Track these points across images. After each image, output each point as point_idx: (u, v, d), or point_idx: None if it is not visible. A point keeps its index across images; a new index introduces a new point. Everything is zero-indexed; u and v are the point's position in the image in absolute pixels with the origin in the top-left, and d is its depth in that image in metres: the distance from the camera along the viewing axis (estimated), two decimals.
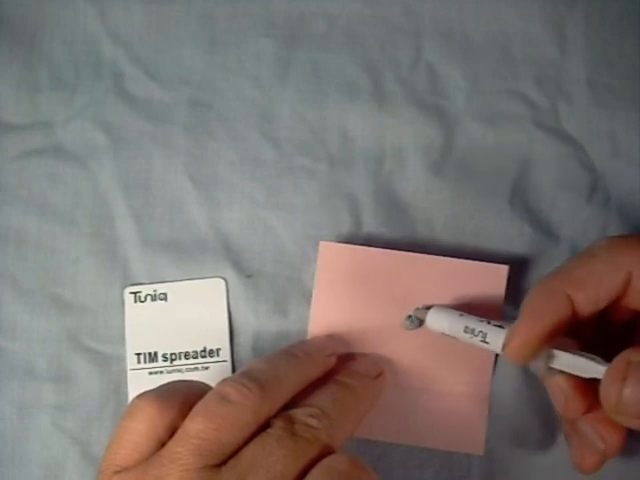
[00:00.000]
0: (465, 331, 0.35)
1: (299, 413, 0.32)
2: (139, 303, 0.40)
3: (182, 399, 0.31)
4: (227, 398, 0.30)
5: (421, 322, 0.38)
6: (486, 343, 0.34)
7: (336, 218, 0.41)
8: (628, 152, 0.40)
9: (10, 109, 0.42)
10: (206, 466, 0.29)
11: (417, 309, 0.38)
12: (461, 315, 0.36)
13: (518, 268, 0.39)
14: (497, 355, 0.39)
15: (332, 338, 0.39)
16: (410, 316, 0.39)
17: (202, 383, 0.34)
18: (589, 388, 0.33)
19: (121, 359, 0.40)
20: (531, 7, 0.42)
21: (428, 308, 0.38)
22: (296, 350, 0.36)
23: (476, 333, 0.35)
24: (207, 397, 0.31)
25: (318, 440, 0.31)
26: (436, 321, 0.37)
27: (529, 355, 0.33)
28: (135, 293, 0.40)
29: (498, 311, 0.38)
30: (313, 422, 0.31)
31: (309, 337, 0.39)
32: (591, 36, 0.41)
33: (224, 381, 0.32)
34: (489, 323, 0.35)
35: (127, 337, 0.40)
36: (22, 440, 0.40)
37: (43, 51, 0.42)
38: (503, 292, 0.39)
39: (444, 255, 0.39)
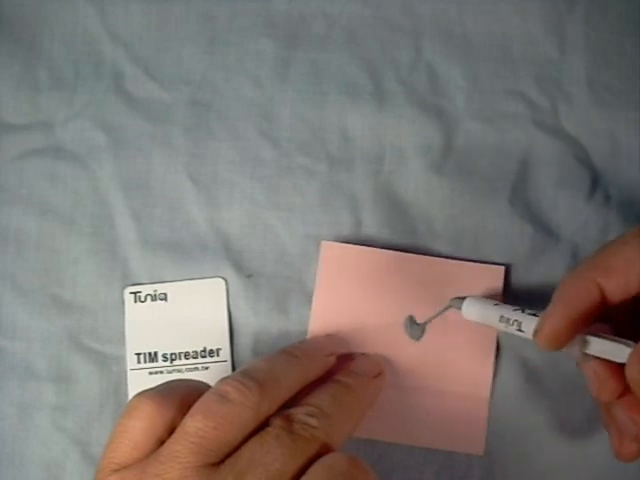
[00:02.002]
0: (500, 320, 0.36)
1: (298, 412, 0.32)
2: (139, 303, 0.40)
3: (181, 397, 0.31)
4: (226, 397, 0.30)
5: (423, 332, 0.39)
6: (521, 332, 0.35)
7: (336, 218, 0.41)
8: (628, 152, 0.40)
9: (10, 109, 0.42)
10: (205, 464, 0.29)
11: (452, 299, 0.38)
12: (496, 305, 0.36)
13: (518, 268, 0.39)
14: (497, 355, 0.39)
15: (332, 338, 0.39)
16: (411, 317, 0.39)
17: (201, 382, 0.33)
18: (623, 373, 0.32)
19: (121, 359, 0.40)
20: (531, 7, 0.42)
21: (463, 298, 0.38)
22: (295, 350, 0.36)
23: (511, 322, 0.35)
24: (206, 395, 0.31)
25: (316, 439, 0.31)
26: (472, 311, 0.37)
27: (560, 342, 0.33)
28: (135, 293, 0.40)
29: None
30: (312, 421, 0.31)
31: (309, 337, 0.39)
32: (591, 36, 0.41)
33: (223, 380, 0.32)
34: (523, 312, 0.35)
35: (127, 337, 0.40)
36: (22, 440, 0.39)
37: (43, 51, 0.42)
38: (501, 292, 0.39)
39: (444, 255, 0.39)
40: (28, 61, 0.42)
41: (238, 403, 0.30)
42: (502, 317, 0.35)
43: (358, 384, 0.36)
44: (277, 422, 0.31)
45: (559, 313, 0.33)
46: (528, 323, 0.34)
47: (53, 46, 0.42)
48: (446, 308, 0.39)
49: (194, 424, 0.30)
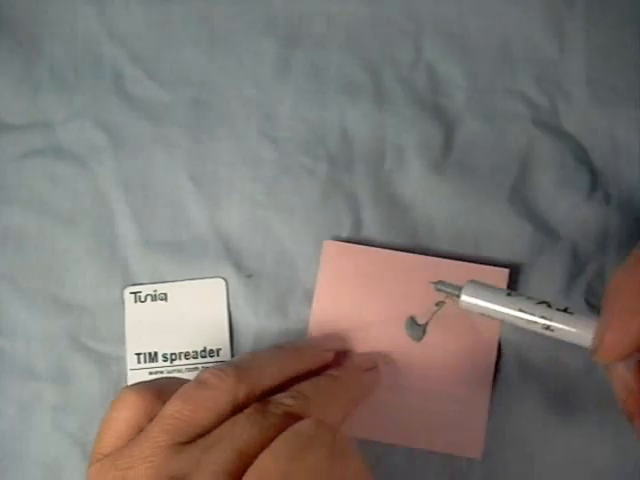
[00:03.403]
0: (520, 314, 0.31)
1: (277, 396, 0.32)
2: (139, 303, 0.40)
3: (164, 388, 0.31)
4: (204, 382, 0.31)
5: (424, 332, 0.38)
6: (549, 331, 0.30)
7: (336, 218, 0.40)
8: (628, 151, 0.40)
9: (10, 109, 0.42)
10: (176, 443, 0.29)
11: (440, 283, 0.35)
12: (509, 295, 0.32)
13: (518, 267, 0.39)
14: (498, 356, 0.39)
15: (329, 336, 0.39)
16: (412, 318, 0.39)
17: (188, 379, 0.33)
18: None
19: (121, 359, 0.40)
20: (531, 7, 0.42)
21: (459, 288, 0.33)
22: (285, 344, 0.36)
23: (536, 319, 0.30)
24: (187, 384, 0.31)
25: (290, 415, 0.30)
26: (475, 300, 0.32)
27: (622, 356, 0.28)
28: (135, 293, 0.40)
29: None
30: (287, 401, 0.31)
31: (309, 337, 0.39)
32: (591, 35, 0.41)
33: (204, 369, 0.32)
34: (550, 306, 0.30)
35: (127, 337, 0.40)
36: (22, 440, 0.39)
37: (43, 51, 0.42)
38: None
39: (444, 254, 0.39)
40: (28, 61, 0.42)
41: (214, 387, 0.30)
42: (522, 311, 0.31)
43: (345, 374, 0.36)
44: (254, 405, 0.31)
45: (623, 324, 0.28)
46: (561, 321, 0.30)
47: (53, 46, 0.42)
48: (441, 302, 0.38)
49: (171, 407, 0.30)
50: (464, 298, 0.33)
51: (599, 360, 0.29)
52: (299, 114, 0.42)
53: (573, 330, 0.30)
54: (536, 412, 0.39)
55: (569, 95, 0.41)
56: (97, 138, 0.42)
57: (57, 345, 0.40)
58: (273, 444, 0.28)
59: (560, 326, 0.30)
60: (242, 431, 0.29)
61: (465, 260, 0.39)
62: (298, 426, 0.29)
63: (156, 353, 0.40)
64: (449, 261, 0.39)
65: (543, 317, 0.30)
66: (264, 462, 0.27)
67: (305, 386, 0.33)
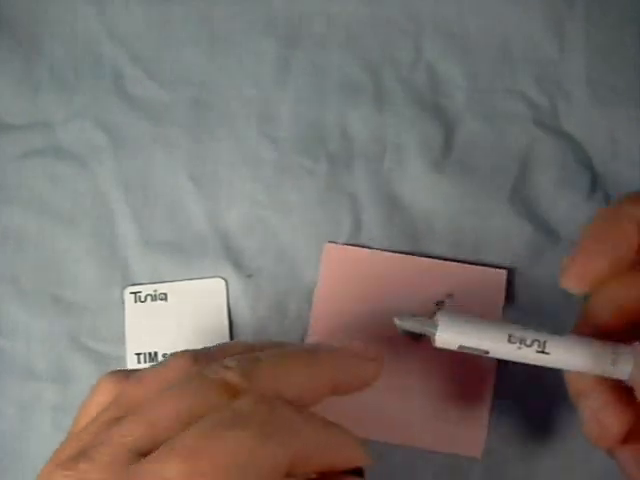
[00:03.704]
0: (510, 341, 0.29)
1: (223, 360, 0.28)
2: (139, 303, 0.40)
3: (140, 374, 0.29)
4: (162, 362, 0.29)
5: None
6: (544, 354, 0.28)
7: (336, 218, 0.40)
8: (628, 151, 0.40)
9: (10, 109, 0.42)
10: (117, 416, 0.27)
11: (402, 318, 0.31)
12: (490, 322, 0.30)
13: (518, 268, 0.39)
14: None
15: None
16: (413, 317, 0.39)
17: None
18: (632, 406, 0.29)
19: (121, 359, 0.40)
20: (531, 7, 0.42)
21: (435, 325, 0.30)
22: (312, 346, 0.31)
23: (529, 343, 0.28)
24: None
25: (225, 381, 0.26)
26: (453, 335, 0.29)
27: (591, 282, 0.30)
28: (135, 293, 0.40)
29: (496, 315, 0.38)
30: (230, 363, 0.27)
31: (309, 337, 0.39)
32: (591, 35, 0.41)
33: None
34: (538, 331, 0.29)
35: (127, 337, 0.40)
36: (22, 440, 0.39)
37: (43, 51, 0.42)
38: (502, 296, 0.39)
39: (444, 255, 0.39)
40: (28, 61, 0.42)
41: (169, 365, 0.29)
42: (512, 337, 0.29)
43: (326, 352, 0.30)
44: (195, 368, 0.28)
45: (593, 250, 0.30)
46: (555, 342, 0.28)
47: (53, 46, 0.42)
48: (441, 302, 0.38)
49: (126, 387, 0.28)
50: (440, 337, 0.30)
51: (567, 283, 0.30)
52: (299, 114, 0.42)
53: (564, 353, 0.29)
54: (536, 412, 0.39)
55: (569, 95, 0.41)
56: (97, 138, 0.41)
57: (57, 345, 0.40)
58: (201, 419, 0.25)
59: (555, 347, 0.29)
60: (167, 401, 0.26)
61: (464, 260, 0.39)
62: (236, 404, 0.26)
63: (156, 353, 0.40)
64: (449, 263, 0.39)
65: (537, 341, 0.29)
66: (181, 438, 0.24)
67: (267, 352, 0.29)
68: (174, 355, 0.29)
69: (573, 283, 0.30)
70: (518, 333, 0.29)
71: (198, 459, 0.24)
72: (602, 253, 0.30)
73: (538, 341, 0.28)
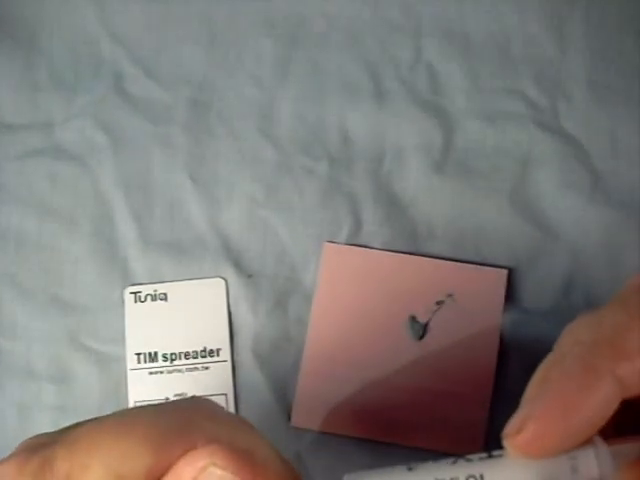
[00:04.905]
0: None
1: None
2: (139, 303, 0.40)
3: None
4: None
5: (425, 331, 0.38)
6: None
7: (336, 218, 0.40)
8: (628, 151, 0.40)
9: (10, 109, 0.42)
10: None
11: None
12: (410, 469, 0.26)
13: (518, 268, 0.39)
14: (499, 354, 0.38)
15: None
16: (412, 316, 0.39)
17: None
18: None
19: (121, 359, 0.40)
20: (531, 7, 0.42)
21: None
22: None
23: None
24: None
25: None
26: None
27: (548, 451, 0.23)
28: (135, 293, 0.40)
29: (497, 315, 0.38)
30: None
31: (309, 337, 0.39)
32: (591, 35, 0.41)
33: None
34: (469, 461, 0.24)
35: (127, 337, 0.40)
36: (22, 440, 0.39)
37: (43, 51, 0.42)
38: (502, 296, 0.39)
39: (444, 254, 0.39)
40: (28, 61, 0.42)
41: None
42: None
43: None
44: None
45: (554, 411, 0.23)
46: (494, 473, 0.23)
47: (53, 46, 0.42)
48: (441, 301, 0.37)
49: None
50: None
51: (515, 449, 0.23)
52: (299, 114, 0.42)
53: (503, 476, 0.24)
54: None
55: (569, 95, 0.41)
56: (97, 138, 0.41)
57: (57, 345, 0.40)
58: None
59: (493, 476, 0.24)
60: None
61: (464, 260, 0.39)
62: None
63: (156, 353, 0.40)
64: (450, 263, 0.39)
65: (472, 477, 0.24)
66: None
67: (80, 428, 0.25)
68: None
69: (522, 451, 0.23)
70: (446, 475, 0.24)
71: None
72: (567, 420, 0.23)
73: (474, 477, 0.24)
